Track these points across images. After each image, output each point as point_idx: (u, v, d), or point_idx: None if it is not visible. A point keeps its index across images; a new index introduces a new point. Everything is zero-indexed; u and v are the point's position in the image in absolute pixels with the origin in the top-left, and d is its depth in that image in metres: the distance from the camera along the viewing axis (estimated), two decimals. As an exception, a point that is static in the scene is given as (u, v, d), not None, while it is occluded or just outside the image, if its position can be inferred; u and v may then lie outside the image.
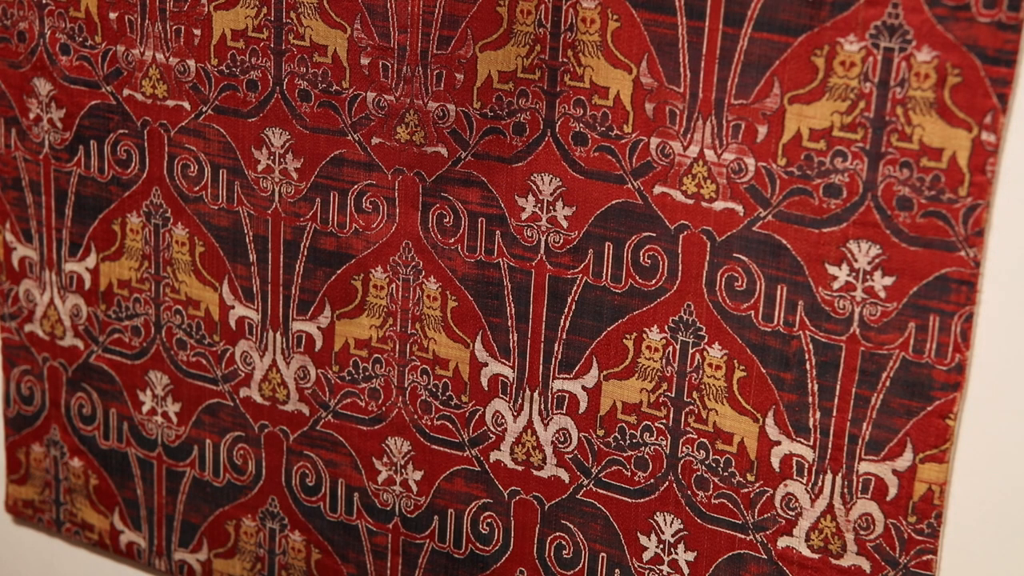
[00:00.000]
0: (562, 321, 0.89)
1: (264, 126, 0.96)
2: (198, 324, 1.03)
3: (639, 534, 0.90)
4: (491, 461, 0.94)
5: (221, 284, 1.01)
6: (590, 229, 0.87)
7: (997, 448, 0.79)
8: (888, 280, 0.79)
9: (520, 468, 0.93)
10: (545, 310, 0.89)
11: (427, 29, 0.88)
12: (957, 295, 0.77)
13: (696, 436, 0.86)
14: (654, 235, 0.85)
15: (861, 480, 0.82)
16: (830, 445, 0.82)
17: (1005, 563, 0.80)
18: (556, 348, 0.90)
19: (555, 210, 0.88)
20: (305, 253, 0.97)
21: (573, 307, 0.88)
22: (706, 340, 0.85)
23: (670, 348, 0.86)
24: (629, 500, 0.90)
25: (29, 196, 1.08)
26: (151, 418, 1.08)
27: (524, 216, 0.89)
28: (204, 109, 0.98)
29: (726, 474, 0.86)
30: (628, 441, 0.89)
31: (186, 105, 0.99)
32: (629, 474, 0.89)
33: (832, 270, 0.80)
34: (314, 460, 1.01)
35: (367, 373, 0.97)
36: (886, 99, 0.76)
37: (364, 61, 0.91)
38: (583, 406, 0.90)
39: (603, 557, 0.92)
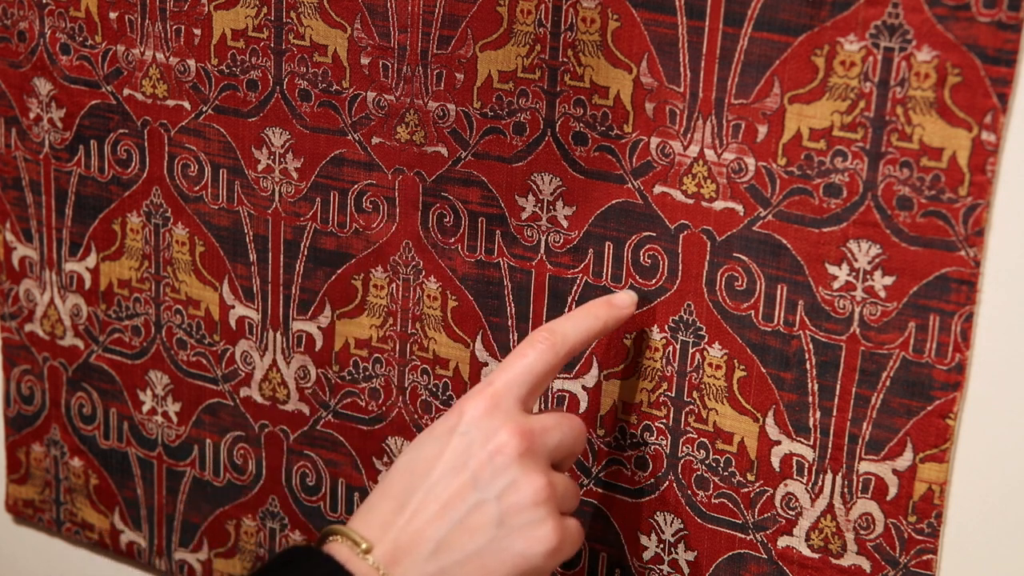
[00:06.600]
0: (562, 321, 0.89)
1: (264, 126, 0.96)
2: (198, 324, 1.03)
3: (639, 534, 0.90)
4: (491, 461, 0.94)
5: (221, 284, 1.01)
6: (590, 229, 0.87)
7: (997, 448, 0.79)
8: (888, 280, 0.79)
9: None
10: (545, 310, 0.89)
11: (427, 29, 0.88)
12: (957, 295, 0.77)
13: (696, 436, 0.86)
14: (654, 235, 0.85)
15: (861, 480, 0.82)
16: (830, 445, 0.82)
17: (1005, 563, 0.80)
18: (556, 348, 0.90)
19: (555, 210, 0.88)
20: (305, 253, 0.97)
21: (574, 307, 0.88)
22: (706, 340, 0.85)
23: (670, 348, 0.86)
24: (629, 500, 0.90)
25: (29, 196, 1.08)
26: (151, 418, 1.08)
27: (524, 216, 0.89)
28: (204, 109, 0.98)
29: (726, 474, 0.86)
30: (628, 441, 0.89)
31: (186, 105, 0.99)
32: (629, 474, 0.89)
33: (832, 270, 0.80)
34: (314, 460, 1.01)
35: (367, 373, 0.97)
36: (886, 99, 0.76)
37: (364, 61, 0.91)
38: (583, 406, 0.90)
39: (603, 557, 0.92)
